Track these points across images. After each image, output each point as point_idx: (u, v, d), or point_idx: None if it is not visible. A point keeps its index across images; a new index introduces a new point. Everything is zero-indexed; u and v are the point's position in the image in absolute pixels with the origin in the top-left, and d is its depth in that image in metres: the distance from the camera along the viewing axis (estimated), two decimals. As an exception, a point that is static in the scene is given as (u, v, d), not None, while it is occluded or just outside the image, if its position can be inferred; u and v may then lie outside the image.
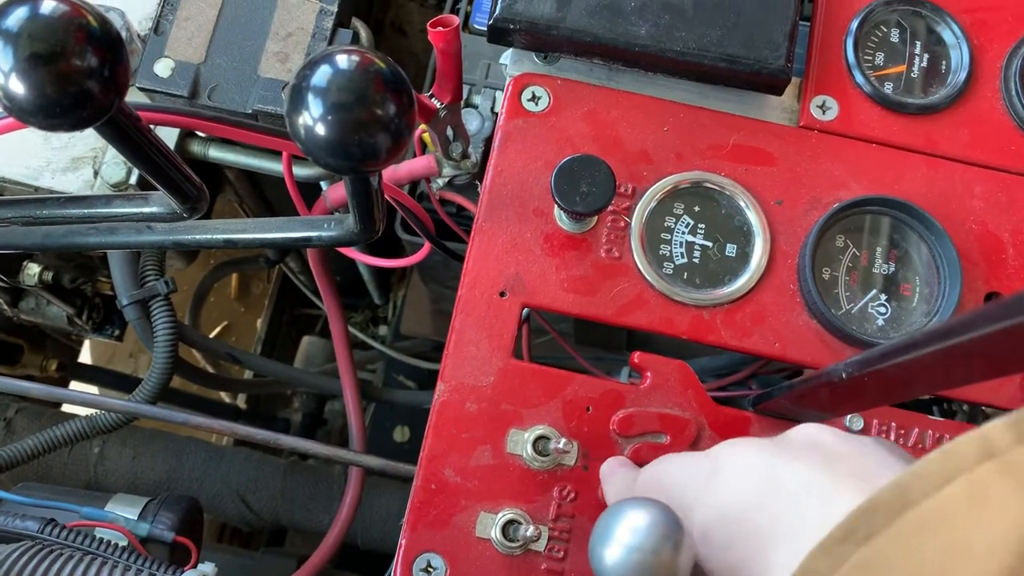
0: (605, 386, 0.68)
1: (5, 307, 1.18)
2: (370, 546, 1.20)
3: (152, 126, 0.61)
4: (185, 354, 1.02)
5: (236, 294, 2.34)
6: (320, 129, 0.46)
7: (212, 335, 2.23)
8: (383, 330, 1.87)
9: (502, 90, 0.82)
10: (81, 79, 0.43)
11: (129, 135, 0.52)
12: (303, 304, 1.91)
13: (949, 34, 0.77)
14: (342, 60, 0.46)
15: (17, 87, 0.42)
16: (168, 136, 0.92)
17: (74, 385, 1.48)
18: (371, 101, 0.46)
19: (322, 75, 0.45)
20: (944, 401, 0.84)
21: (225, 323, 2.31)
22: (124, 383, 1.58)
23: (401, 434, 1.65)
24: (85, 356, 1.96)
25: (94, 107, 0.45)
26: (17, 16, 0.43)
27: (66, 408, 1.27)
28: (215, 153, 0.95)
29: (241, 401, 1.82)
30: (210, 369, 1.64)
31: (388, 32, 1.55)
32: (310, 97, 0.45)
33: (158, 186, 0.59)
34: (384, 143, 0.47)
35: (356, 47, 0.47)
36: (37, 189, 0.90)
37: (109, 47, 0.44)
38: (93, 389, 1.52)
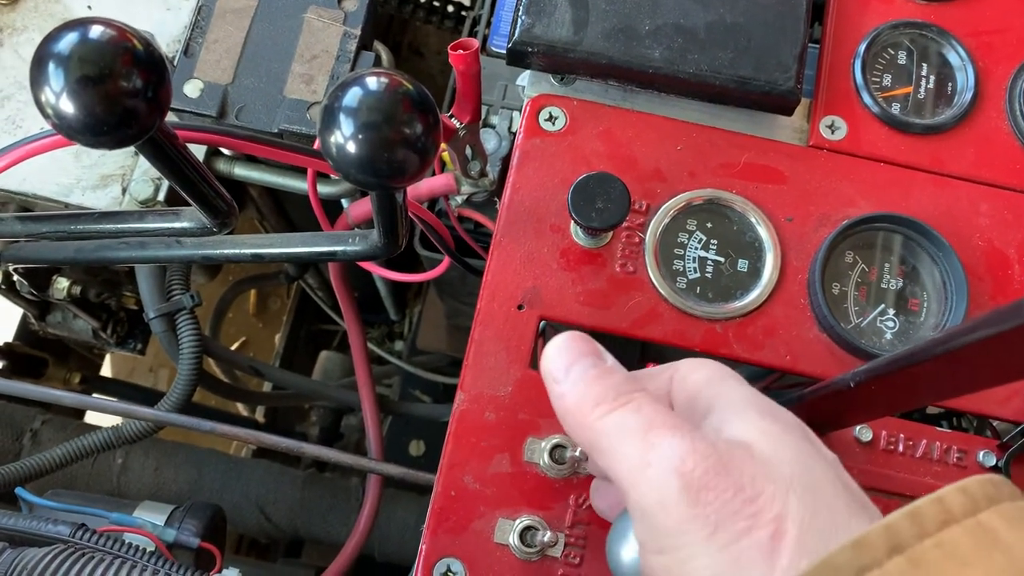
0: (620, 397, 0.70)
1: (33, 321, 1.21)
2: (387, 558, 1.22)
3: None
4: (205, 367, 1.05)
5: (254, 310, 2.37)
6: (351, 147, 0.48)
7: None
8: (399, 345, 1.89)
9: (519, 110, 0.84)
10: (127, 99, 0.46)
11: (167, 152, 0.55)
12: (321, 320, 1.94)
13: (955, 56, 0.79)
14: (372, 82, 0.48)
15: (67, 107, 0.45)
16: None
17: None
18: (399, 121, 0.48)
19: (353, 96, 0.48)
20: (953, 415, 0.85)
21: (243, 339, 2.33)
22: (145, 396, 1.60)
23: (417, 448, 1.67)
24: (106, 370, 1.99)
25: (138, 126, 0.47)
26: (68, 40, 0.45)
27: (89, 421, 1.30)
28: (240, 171, 0.97)
29: (259, 415, 1.84)
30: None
31: (406, 53, 1.59)
32: (342, 117, 0.48)
33: (191, 201, 0.62)
34: (411, 160, 0.49)
35: (385, 69, 0.50)
36: (67, 205, 0.93)
37: (153, 69, 0.47)
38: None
